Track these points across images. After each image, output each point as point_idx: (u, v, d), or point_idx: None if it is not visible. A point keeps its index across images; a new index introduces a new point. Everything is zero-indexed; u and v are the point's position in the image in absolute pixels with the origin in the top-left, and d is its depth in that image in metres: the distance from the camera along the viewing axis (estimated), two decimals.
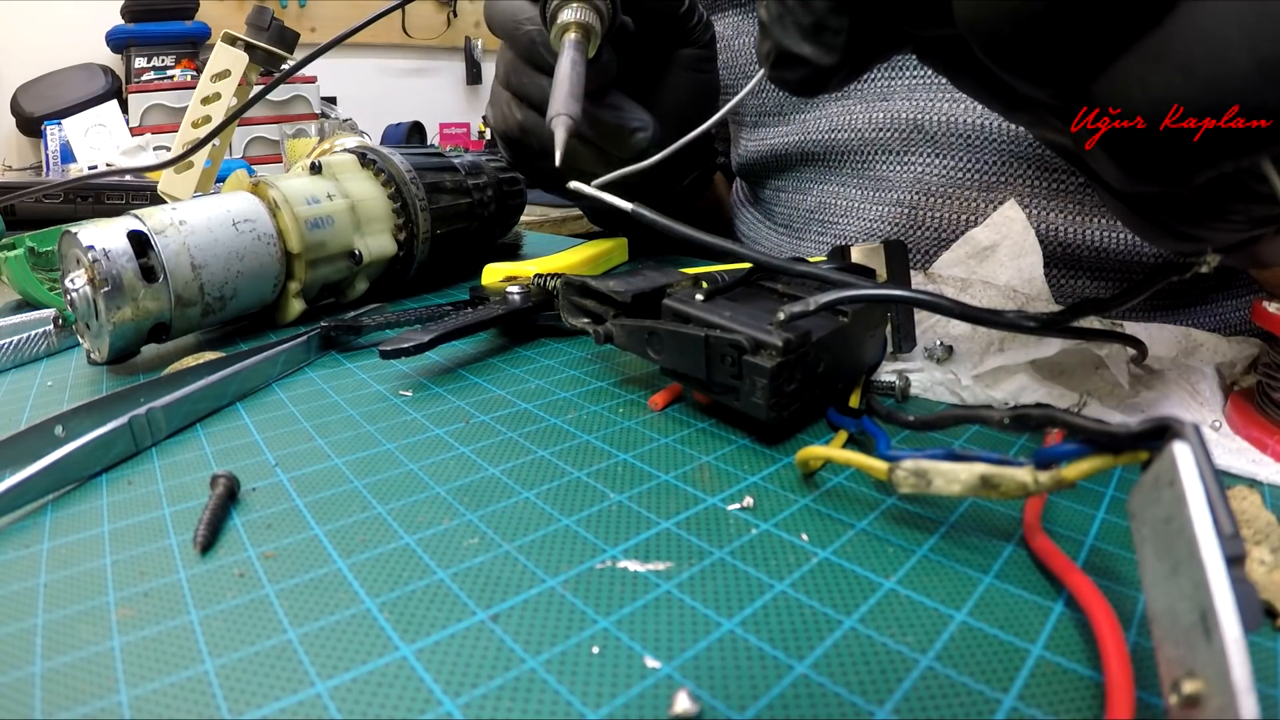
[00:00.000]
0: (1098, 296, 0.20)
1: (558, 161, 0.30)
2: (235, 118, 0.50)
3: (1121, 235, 0.37)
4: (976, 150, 0.38)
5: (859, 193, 0.44)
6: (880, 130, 0.42)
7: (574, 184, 0.28)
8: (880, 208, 0.42)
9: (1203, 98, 0.14)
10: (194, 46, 1.85)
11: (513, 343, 0.34)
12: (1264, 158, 0.16)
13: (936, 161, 0.40)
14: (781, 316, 0.21)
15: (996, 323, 0.21)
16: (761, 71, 0.23)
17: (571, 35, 0.33)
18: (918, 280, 0.32)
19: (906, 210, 0.41)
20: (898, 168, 0.41)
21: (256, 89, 0.51)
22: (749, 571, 0.17)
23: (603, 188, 0.27)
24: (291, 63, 0.55)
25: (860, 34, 0.20)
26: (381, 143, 1.10)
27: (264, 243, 0.34)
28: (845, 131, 0.43)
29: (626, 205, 0.26)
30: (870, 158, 0.43)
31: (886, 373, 0.26)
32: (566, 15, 0.33)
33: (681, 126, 0.31)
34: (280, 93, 1.81)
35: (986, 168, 0.38)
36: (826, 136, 0.45)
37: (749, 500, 0.20)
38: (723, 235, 0.26)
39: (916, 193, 0.41)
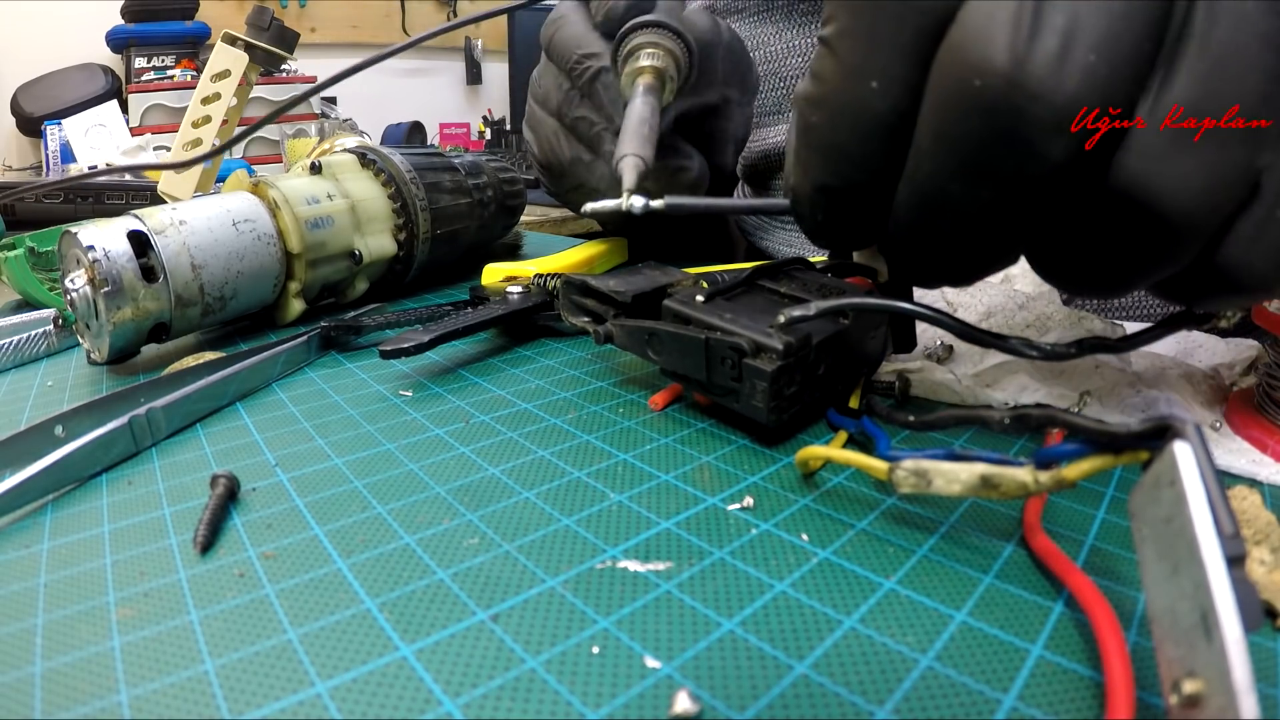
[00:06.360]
0: (1104, 338, 0.20)
1: (625, 202, 0.28)
2: (252, 131, 0.49)
3: None
4: None
5: None
6: None
7: (588, 206, 0.28)
8: None
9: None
10: (194, 46, 1.85)
11: (513, 343, 0.34)
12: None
13: None
14: (782, 320, 0.21)
15: (997, 346, 0.20)
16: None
17: (647, 79, 0.32)
18: None
19: None
20: None
21: (258, 88, 0.50)
22: (749, 571, 0.17)
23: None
24: (293, 62, 0.55)
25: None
26: (381, 143, 1.10)
27: (264, 243, 0.34)
28: None
29: (659, 203, 0.26)
30: None
31: (886, 373, 0.26)
32: (645, 60, 0.32)
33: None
34: (280, 93, 1.81)
35: None
36: None
37: (749, 500, 0.20)
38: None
39: None
